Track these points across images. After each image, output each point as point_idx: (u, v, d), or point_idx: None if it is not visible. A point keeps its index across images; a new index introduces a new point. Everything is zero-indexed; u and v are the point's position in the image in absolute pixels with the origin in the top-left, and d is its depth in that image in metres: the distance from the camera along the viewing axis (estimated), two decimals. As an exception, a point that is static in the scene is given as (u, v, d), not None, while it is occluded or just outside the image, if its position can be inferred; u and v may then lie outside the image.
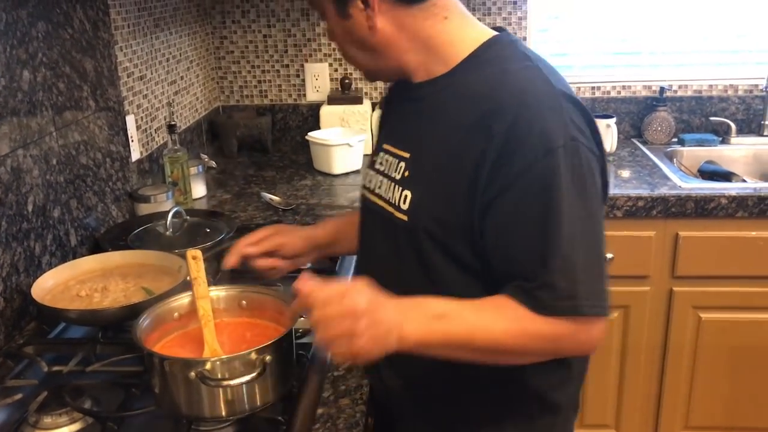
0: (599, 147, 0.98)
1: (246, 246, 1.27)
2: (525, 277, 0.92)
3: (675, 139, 2.55)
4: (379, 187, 1.11)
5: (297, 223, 1.84)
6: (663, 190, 2.05)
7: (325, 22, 1.09)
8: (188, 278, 1.16)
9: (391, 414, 1.19)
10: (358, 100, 2.50)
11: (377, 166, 1.13)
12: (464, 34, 1.03)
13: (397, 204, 1.05)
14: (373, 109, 2.49)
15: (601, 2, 2.63)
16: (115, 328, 1.29)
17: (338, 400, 1.10)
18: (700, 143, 2.51)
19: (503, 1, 2.53)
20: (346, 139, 2.29)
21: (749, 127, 2.57)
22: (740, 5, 2.57)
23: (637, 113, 2.60)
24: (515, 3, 2.53)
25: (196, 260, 1.14)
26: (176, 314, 1.12)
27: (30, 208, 1.40)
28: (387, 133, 1.15)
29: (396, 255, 1.07)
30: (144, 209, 1.83)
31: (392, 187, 1.06)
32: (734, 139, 2.52)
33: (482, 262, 0.98)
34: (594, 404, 2.25)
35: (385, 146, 1.12)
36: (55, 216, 1.50)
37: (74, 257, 1.51)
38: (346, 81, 2.52)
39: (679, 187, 2.07)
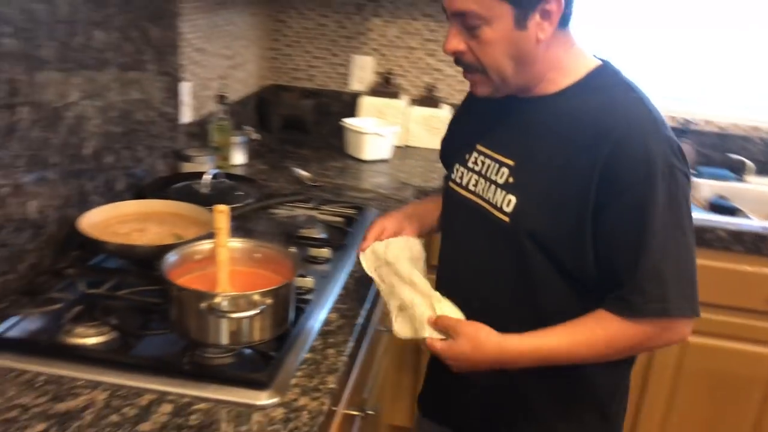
0: (687, 166, 1.13)
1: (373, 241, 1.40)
2: (620, 285, 1.10)
3: (693, 172, 2.65)
4: (475, 186, 1.26)
5: (319, 199, 2.01)
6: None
7: (477, 30, 1.12)
8: (213, 228, 1.33)
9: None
10: (395, 95, 2.67)
11: (471, 165, 1.28)
12: (580, 61, 1.19)
13: (499, 206, 1.20)
14: (409, 105, 2.65)
15: (634, 34, 2.74)
16: (146, 264, 1.48)
17: (325, 350, 1.27)
18: (715, 178, 2.61)
19: (546, 19, 2.65)
20: (379, 129, 2.46)
21: (766, 168, 2.66)
22: (775, 51, 2.65)
23: (660, 142, 2.71)
24: (557, 22, 2.65)
25: (222, 213, 1.32)
26: (198, 257, 1.30)
27: (87, 151, 1.60)
28: (483, 136, 1.28)
29: (493, 252, 1.23)
30: (186, 167, 2.02)
31: (493, 189, 1.22)
32: (750, 178, 2.62)
33: (581, 270, 1.14)
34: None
35: (481, 148, 1.27)
36: (108, 162, 1.70)
37: (119, 200, 1.71)
38: (388, 76, 2.69)
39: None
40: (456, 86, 2.77)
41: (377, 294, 1.60)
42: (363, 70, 2.80)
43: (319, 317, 1.37)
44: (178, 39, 2.01)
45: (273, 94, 2.82)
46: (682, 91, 2.77)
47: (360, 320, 1.40)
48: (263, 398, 1.10)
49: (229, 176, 1.97)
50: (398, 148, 2.61)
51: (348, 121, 2.53)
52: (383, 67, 2.80)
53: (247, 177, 2.08)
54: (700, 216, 2.21)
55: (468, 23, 1.12)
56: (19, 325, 1.26)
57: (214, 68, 2.34)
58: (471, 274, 1.29)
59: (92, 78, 1.58)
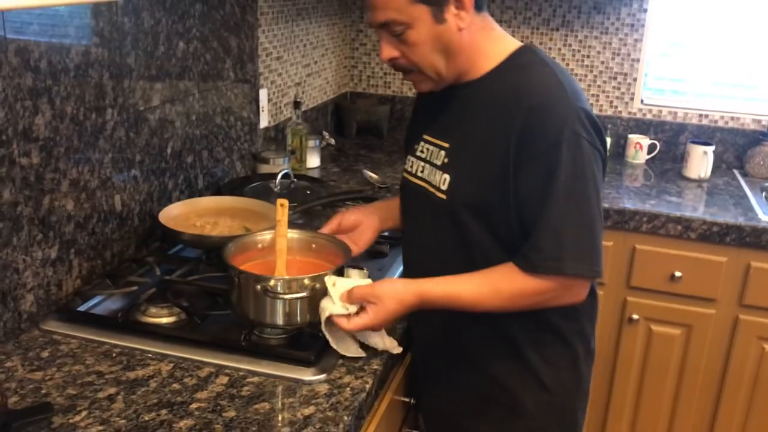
0: (603, 144, 1.20)
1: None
2: (526, 242, 1.17)
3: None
4: (422, 172, 1.34)
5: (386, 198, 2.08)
6: (741, 220, 2.12)
7: (403, 35, 1.19)
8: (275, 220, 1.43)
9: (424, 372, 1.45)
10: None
11: (419, 154, 1.36)
12: (501, 45, 1.26)
13: (437, 185, 1.28)
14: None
15: (722, 33, 2.68)
16: (217, 253, 1.60)
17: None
18: None
19: (621, 22, 2.64)
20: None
21: None
22: None
23: (743, 145, 2.63)
24: (633, 26, 2.64)
25: (283, 207, 1.42)
26: (260, 245, 1.40)
27: (169, 151, 1.74)
28: (427, 126, 1.36)
29: (436, 229, 1.31)
30: (263, 168, 2.15)
31: (434, 172, 1.30)
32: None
33: (513, 234, 1.21)
34: (647, 414, 2.34)
35: (426, 137, 1.35)
36: (188, 161, 1.84)
37: (198, 197, 1.85)
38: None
39: (759, 219, 2.13)
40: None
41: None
42: (437, 77, 2.87)
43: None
44: (257, 48, 2.15)
45: (350, 101, 2.93)
46: (766, 93, 2.67)
47: (412, 310, 1.46)
48: (310, 374, 1.19)
49: (300, 177, 2.09)
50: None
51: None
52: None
53: (316, 178, 2.19)
54: (778, 220, 2.15)
55: (393, 30, 1.19)
56: (102, 305, 1.41)
57: (292, 76, 2.47)
58: (423, 253, 1.37)
59: (174, 84, 1.73)
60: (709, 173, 2.50)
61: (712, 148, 2.49)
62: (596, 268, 1.16)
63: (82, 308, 1.37)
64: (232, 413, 1.09)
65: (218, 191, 1.96)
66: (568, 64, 2.74)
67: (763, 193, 2.42)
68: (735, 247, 2.12)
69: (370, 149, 2.72)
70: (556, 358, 1.33)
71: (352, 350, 1.26)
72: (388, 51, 1.23)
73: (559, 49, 2.73)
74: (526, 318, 1.25)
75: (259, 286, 1.22)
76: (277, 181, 1.94)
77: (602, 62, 2.71)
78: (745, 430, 2.26)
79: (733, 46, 2.68)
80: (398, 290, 1.20)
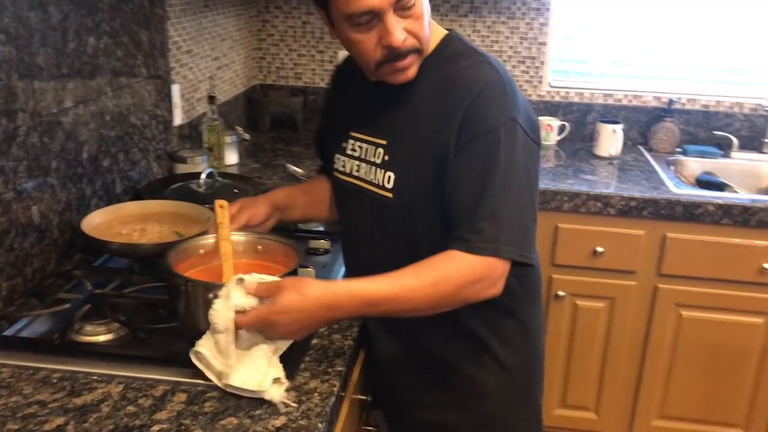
0: (535, 132, 1.21)
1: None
2: (462, 227, 1.13)
3: (679, 150, 2.70)
4: (357, 171, 1.30)
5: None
6: (655, 194, 2.21)
7: (413, 7, 1.14)
8: (214, 223, 1.36)
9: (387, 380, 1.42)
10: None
11: (350, 152, 1.31)
12: (434, 31, 1.23)
13: (381, 184, 1.25)
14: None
15: (622, 15, 2.78)
16: (149, 262, 1.51)
17: (331, 335, 1.30)
18: (702, 155, 2.65)
19: (528, 6, 2.70)
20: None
21: (752, 143, 2.71)
22: (752, 27, 2.70)
23: (646, 122, 2.76)
24: (539, 10, 2.70)
25: (222, 208, 1.35)
26: (201, 251, 1.33)
27: (85, 156, 1.62)
28: (354, 122, 1.32)
29: (381, 228, 1.28)
30: (181, 169, 2.05)
31: (374, 170, 1.26)
32: (735, 154, 2.67)
33: None
34: (576, 386, 2.42)
35: (355, 134, 1.31)
36: (105, 165, 1.72)
37: (117, 203, 1.73)
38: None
39: (671, 192, 2.24)
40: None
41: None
42: (349, 66, 2.83)
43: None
44: (167, 42, 2.03)
45: (261, 94, 2.85)
46: (665, 71, 2.81)
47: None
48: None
49: (224, 175, 2.00)
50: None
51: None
52: (369, 61, 2.82)
53: (241, 175, 2.11)
54: (689, 192, 2.26)
55: (405, 3, 1.12)
56: (30, 327, 1.29)
57: (203, 70, 2.36)
58: (367, 253, 1.34)
59: (86, 84, 1.60)
60: (619, 150, 2.60)
61: (621, 126, 2.60)
62: (528, 254, 1.15)
63: (8, 332, 1.25)
64: (198, 432, 1.02)
65: (137, 195, 1.84)
66: (478, 49, 2.77)
67: (671, 167, 2.55)
68: (651, 220, 2.21)
69: (287, 142, 2.65)
70: (511, 337, 1.34)
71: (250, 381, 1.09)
72: (401, 32, 1.13)
73: (469, 35, 2.75)
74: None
75: (210, 295, 1.15)
76: (201, 180, 1.85)
77: (511, 47, 2.75)
78: (667, 391, 2.38)
79: (632, 27, 2.79)
80: (306, 282, 1.11)
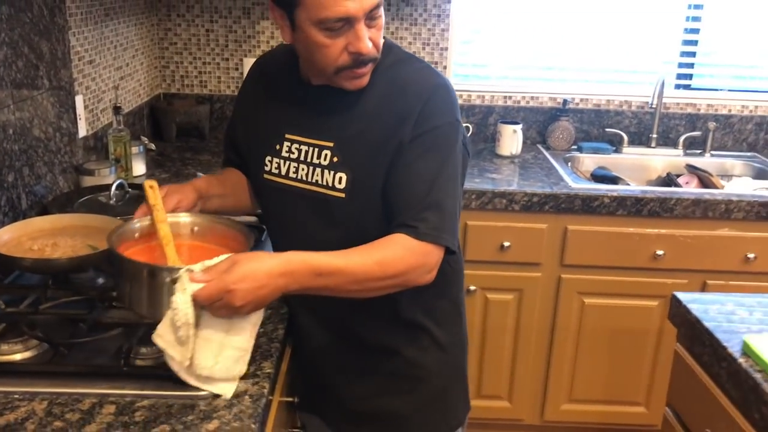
0: (465, 135, 1.32)
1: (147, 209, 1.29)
2: (407, 214, 1.21)
3: (575, 147, 2.86)
4: (295, 172, 1.32)
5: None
6: (555, 189, 2.34)
7: (378, 18, 1.21)
8: (147, 205, 1.28)
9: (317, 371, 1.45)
10: (292, 95, 2.72)
11: (285, 154, 1.33)
12: None
13: (331, 185, 1.28)
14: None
15: (518, 20, 2.92)
16: (63, 278, 1.48)
17: (258, 338, 1.31)
18: (596, 151, 2.82)
19: (429, 13, 2.79)
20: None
21: (640, 139, 2.90)
22: (638, 31, 2.90)
23: (543, 122, 2.90)
24: (439, 16, 2.79)
25: (153, 189, 1.28)
26: (137, 234, 1.28)
27: (-12, 171, 1.57)
28: (289, 125, 1.33)
29: (330, 228, 1.31)
30: (88, 181, 2.00)
31: (320, 172, 1.29)
32: (626, 149, 2.85)
33: None
34: (489, 377, 2.52)
35: (291, 136, 1.33)
36: (9, 180, 1.66)
37: (24, 219, 1.68)
38: (282, 77, 2.73)
39: (570, 187, 2.37)
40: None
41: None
42: (256, 73, 2.83)
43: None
44: (68, 52, 1.98)
45: (166, 103, 2.81)
46: (560, 73, 2.97)
47: (285, 308, 1.45)
48: (204, 389, 1.14)
49: (135, 186, 1.97)
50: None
51: (247, 124, 2.55)
52: (276, 68, 2.84)
53: (152, 185, 2.08)
54: (585, 186, 2.40)
55: (375, 14, 1.19)
56: (-60, 350, 1.23)
57: (106, 80, 2.31)
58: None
59: (-14, 95, 1.55)
60: (520, 149, 2.73)
61: (520, 126, 2.72)
62: (456, 244, 1.27)
63: None
64: (130, 442, 1.02)
65: (44, 210, 1.79)
66: (382, 55, 2.84)
67: (568, 164, 2.70)
68: (553, 214, 2.34)
69: (194, 151, 2.63)
70: (446, 317, 1.43)
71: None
72: (368, 40, 1.19)
73: (373, 41, 2.82)
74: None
75: (168, 279, 1.11)
76: (111, 192, 1.82)
77: (414, 52, 2.83)
78: (574, 375, 2.52)
79: (528, 32, 2.94)
80: (260, 253, 1.14)
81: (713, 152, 2.87)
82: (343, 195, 1.28)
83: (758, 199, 2.34)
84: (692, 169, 2.71)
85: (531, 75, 2.99)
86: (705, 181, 2.63)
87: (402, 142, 1.23)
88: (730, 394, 1.35)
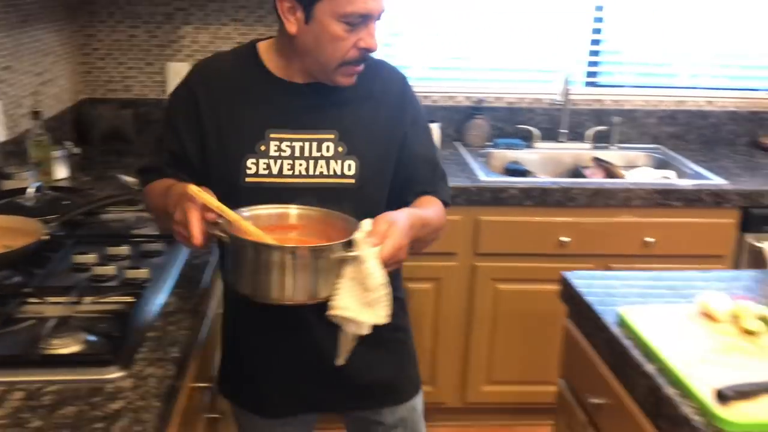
0: None
1: (203, 214, 1.21)
2: (428, 184, 1.45)
3: (490, 143, 3.00)
4: (291, 169, 1.34)
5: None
6: (468, 182, 2.47)
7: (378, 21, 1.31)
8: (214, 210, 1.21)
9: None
10: (215, 98, 2.78)
11: (273, 153, 1.34)
12: None
13: (341, 173, 1.36)
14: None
15: (436, 23, 3.05)
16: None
17: (166, 327, 1.39)
18: (510, 147, 2.97)
19: (347, 16, 2.88)
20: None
21: (551, 134, 3.06)
22: (548, 32, 3.06)
23: (459, 120, 3.04)
24: (357, 19, 2.89)
25: (202, 192, 1.19)
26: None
27: None
28: (272, 123, 1.35)
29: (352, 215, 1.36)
30: (6, 185, 2.04)
31: (324, 163, 1.35)
32: (537, 144, 3.01)
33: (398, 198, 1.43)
34: (413, 364, 2.63)
35: (278, 135, 1.35)
36: (-77, 185, 1.70)
37: (-60, 222, 1.71)
38: (205, 80, 2.80)
39: (480, 180, 2.51)
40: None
41: (213, 278, 1.74)
42: (180, 77, 2.88)
43: (158, 302, 1.49)
44: (-18, 59, 2.02)
45: (90, 108, 2.84)
46: (475, 74, 3.11)
47: (196, 299, 1.53)
48: (110, 373, 1.21)
49: (54, 188, 2.02)
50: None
51: (170, 127, 2.61)
52: (199, 72, 2.89)
53: (71, 188, 2.13)
54: (495, 179, 2.54)
55: (381, 16, 1.30)
56: None
57: (25, 86, 2.34)
58: None
59: None
60: (438, 146, 2.84)
61: (438, 124, 2.85)
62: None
63: None
64: (37, 423, 1.08)
65: (-38, 214, 1.82)
66: (304, 58, 2.93)
67: (482, 159, 2.83)
68: (466, 206, 2.46)
69: (119, 155, 2.67)
70: (403, 301, 1.56)
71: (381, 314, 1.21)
72: (377, 39, 1.32)
73: (294, 44, 2.90)
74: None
75: (339, 254, 1.16)
76: (29, 194, 1.87)
77: (334, 54, 2.93)
78: (492, 358, 2.65)
79: (445, 35, 3.06)
80: (393, 212, 1.25)
81: (619, 145, 3.04)
82: (353, 181, 1.36)
83: (655, 186, 2.52)
84: (598, 162, 2.88)
85: (448, 75, 3.12)
86: (609, 171, 2.80)
87: (404, 123, 1.42)
88: (607, 360, 1.49)
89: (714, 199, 2.52)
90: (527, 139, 3.03)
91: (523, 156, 2.94)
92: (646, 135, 3.13)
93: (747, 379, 1.20)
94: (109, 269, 1.59)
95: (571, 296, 1.67)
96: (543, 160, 2.96)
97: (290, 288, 1.18)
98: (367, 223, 1.20)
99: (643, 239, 2.51)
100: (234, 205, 1.26)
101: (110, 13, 2.82)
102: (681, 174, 2.75)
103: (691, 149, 3.05)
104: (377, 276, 1.16)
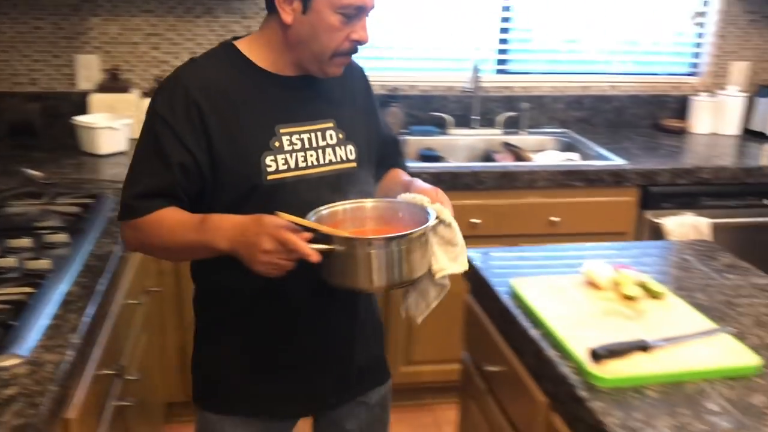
0: None
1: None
2: (399, 158, 1.63)
3: (406, 130, 3.06)
4: (304, 161, 1.37)
5: (53, 193, 2.07)
6: (380, 168, 2.52)
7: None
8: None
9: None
10: (126, 90, 2.76)
11: (288, 148, 1.35)
12: None
13: (345, 158, 1.42)
14: (141, 98, 2.75)
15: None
16: None
17: (66, 314, 1.39)
18: (424, 134, 3.04)
19: (258, 6, 2.90)
20: (110, 122, 2.54)
21: (464, 121, 3.14)
22: (460, 21, 3.14)
23: (375, 107, 3.09)
24: (269, 9, 2.91)
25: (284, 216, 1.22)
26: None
27: None
28: (279, 119, 1.36)
29: (345, 198, 1.38)
30: None
31: (331, 151, 1.41)
32: (451, 131, 3.09)
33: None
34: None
35: (287, 129, 1.36)
36: None
37: None
38: (115, 72, 2.77)
39: (392, 165, 2.56)
40: (184, 76, 2.92)
41: (118, 268, 1.74)
42: (88, 69, 2.85)
43: (60, 291, 1.49)
44: None
45: (-5, 102, 2.77)
46: (389, 63, 3.17)
47: (100, 288, 1.54)
48: (4, 360, 1.21)
49: (-47, 183, 1.97)
50: (135, 140, 2.70)
51: (79, 119, 2.58)
52: (109, 64, 2.86)
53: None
54: (409, 165, 2.59)
55: (371, 11, 1.36)
56: None
57: None
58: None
59: None
60: (351, 134, 2.90)
61: (351, 112, 2.89)
62: None
63: None
64: (-73, 411, 1.08)
65: None
66: (216, 48, 2.92)
67: (395, 145, 2.89)
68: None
69: (26, 149, 2.62)
70: None
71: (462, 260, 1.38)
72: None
73: (206, 35, 2.90)
74: None
75: (433, 224, 1.31)
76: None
77: (247, 44, 2.94)
78: (410, 339, 2.72)
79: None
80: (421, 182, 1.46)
81: (529, 130, 3.16)
82: (355, 164, 1.43)
83: (558, 168, 2.63)
84: (507, 146, 2.98)
85: (362, 65, 3.15)
86: (518, 155, 2.91)
87: (375, 108, 1.55)
88: (500, 329, 1.57)
89: (614, 179, 2.65)
90: (441, 126, 3.10)
91: (438, 143, 3.01)
92: (554, 120, 3.25)
93: (622, 340, 1.29)
94: (9, 261, 1.58)
95: (471, 272, 1.75)
96: (457, 147, 3.05)
97: (407, 270, 1.27)
98: (422, 198, 1.36)
99: (549, 219, 2.62)
100: (255, 205, 1.28)
101: (13, 4, 2.75)
102: (585, 156, 2.88)
103: (597, 132, 3.19)
104: (459, 231, 1.38)
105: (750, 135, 3.22)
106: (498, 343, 1.56)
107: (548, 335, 1.36)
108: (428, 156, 2.86)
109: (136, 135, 2.80)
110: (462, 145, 3.06)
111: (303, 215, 1.27)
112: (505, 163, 2.78)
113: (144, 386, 2.04)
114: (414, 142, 3.00)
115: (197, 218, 1.31)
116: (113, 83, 2.78)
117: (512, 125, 3.16)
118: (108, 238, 1.80)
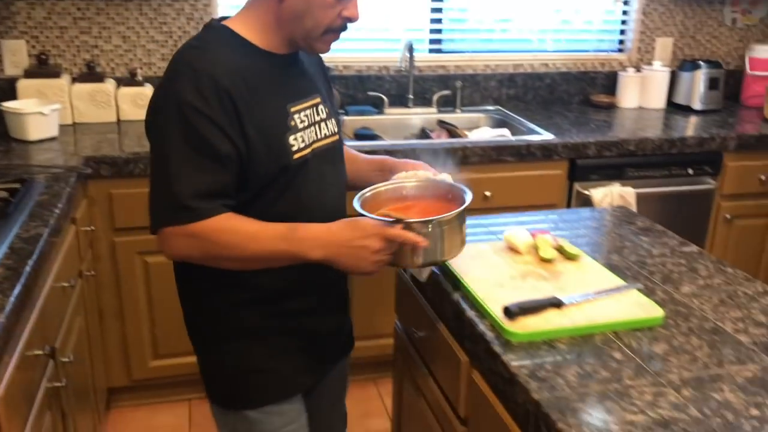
0: None
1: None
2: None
3: (342, 111, 3.09)
4: (314, 136, 1.43)
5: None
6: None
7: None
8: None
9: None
10: (56, 75, 2.72)
11: (301, 126, 1.39)
12: None
13: (332, 132, 1.48)
14: (71, 83, 2.71)
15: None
16: None
17: (-9, 296, 1.39)
18: (361, 113, 3.08)
19: (189, -11, 2.88)
20: (39, 108, 2.51)
21: (400, 100, 3.19)
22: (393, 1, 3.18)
23: (311, 89, 3.10)
24: (200, -9, 2.90)
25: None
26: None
27: None
28: (288, 99, 1.38)
29: (338, 170, 1.52)
30: None
31: (324, 125, 1.46)
32: (387, 110, 3.13)
33: None
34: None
35: (295, 108, 1.38)
36: None
37: None
38: (44, 57, 2.72)
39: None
40: (116, 60, 2.89)
41: (45, 251, 1.73)
42: (16, 54, 2.79)
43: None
44: None
45: None
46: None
47: (27, 269, 1.53)
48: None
49: None
50: (67, 126, 2.67)
51: (7, 105, 2.53)
52: (37, 49, 2.81)
53: None
54: (347, 144, 2.62)
55: None
56: None
57: None
58: (336, 197, 1.50)
59: None
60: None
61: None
62: None
63: None
64: None
65: None
66: (148, 32, 2.90)
67: (331, 125, 2.92)
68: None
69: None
70: None
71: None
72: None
73: (137, 18, 2.87)
74: None
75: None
76: None
77: (179, 27, 2.92)
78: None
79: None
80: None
81: (463, 108, 3.22)
82: (337, 137, 1.50)
83: (490, 144, 2.70)
84: (442, 124, 3.04)
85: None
86: (453, 133, 2.96)
87: (330, 83, 1.60)
88: (426, 297, 1.62)
89: (544, 153, 2.73)
90: (378, 106, 3.14)
91: (374, 122, 3.05)
92: (488, 98, 3.32)
93: (537, 298, 1.35)
94: (-69, 245, 1.56)
95: (400, 243, 1.79)
96: (394, 125, 3.09)
97: (462, 241, 1.41)
98: (446, 176, 1.55)
99: (483, 193, 2.69)
100: (281, 186, 1.36)
101: (-67, -12, 2.68)
102: (517, 132, 2.95)
103: (530, 109, 3.27)
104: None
105: (674, 107, 3.35)
106: (424, 307, 1.61)
107: (468, 297, 1.42)
108: (364, 135, 2.90)
109: (67, 120, 2.79)
110: (398, 124, 3.11)
111: (320, 191, 1.42)
112: (439, 140, 2.84)
113: (80, 370, 2.04)
114: (350, 122, 3.03)
115: (282, 228, 1.31)
116: (42, 68, 2.73)
117: (447, 104, 3.22)
118: (36, 221, 1.79)
